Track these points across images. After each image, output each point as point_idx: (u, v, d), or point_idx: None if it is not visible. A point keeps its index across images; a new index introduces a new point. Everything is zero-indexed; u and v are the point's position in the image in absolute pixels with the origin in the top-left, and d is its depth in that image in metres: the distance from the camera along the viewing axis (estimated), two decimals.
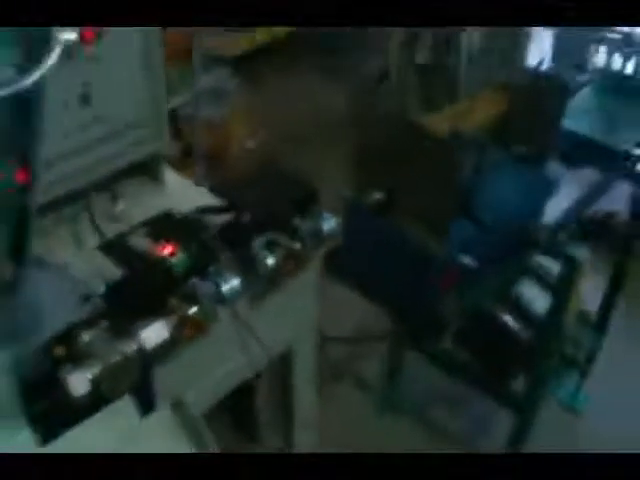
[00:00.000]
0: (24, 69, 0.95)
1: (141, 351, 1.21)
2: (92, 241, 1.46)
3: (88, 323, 1.21)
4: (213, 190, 1.62)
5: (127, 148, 1.56)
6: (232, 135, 4.00)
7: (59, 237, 1.47)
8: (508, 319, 2.47)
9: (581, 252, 2.08)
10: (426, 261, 1.77)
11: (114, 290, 1.27)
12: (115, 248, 1.37)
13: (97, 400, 1.17)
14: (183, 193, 1.66)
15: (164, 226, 1.42)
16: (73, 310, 1.23)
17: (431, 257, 1.76)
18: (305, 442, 2.02)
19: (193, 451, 1.30)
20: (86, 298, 1.26)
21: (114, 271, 1.33)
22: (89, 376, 1.15)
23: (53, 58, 0.96)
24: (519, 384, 2.60)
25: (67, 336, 1.19)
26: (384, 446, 2.74)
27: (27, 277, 1.21)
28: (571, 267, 2.08)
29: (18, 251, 1.17)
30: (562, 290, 2.20)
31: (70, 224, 1.50)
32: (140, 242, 1.36)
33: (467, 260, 1.80)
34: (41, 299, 1.25)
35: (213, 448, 1.32)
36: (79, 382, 1.14)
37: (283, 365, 1.82)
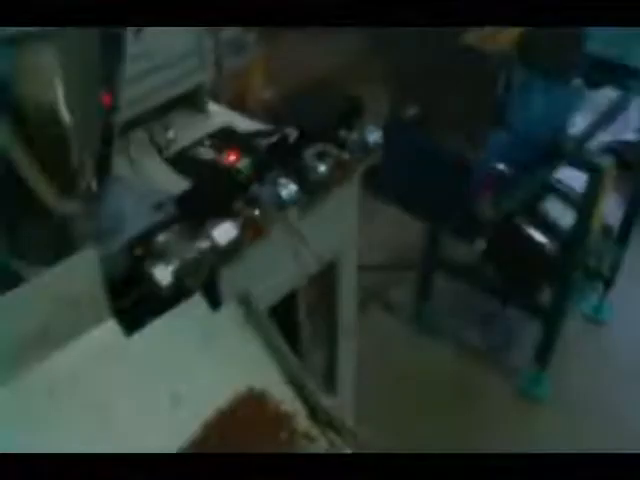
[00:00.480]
0: None
1: (213, 248, 1.33)
2: (154, 159, 1.57)
3: (163, 226, 1.32)
4: (264, 111, 1.71)
5: (175, 80, 1.66)
6: (255, 82, 4.05)
7: (127, 156, 1.58)
8: (535, 233, 2.57)
9: (605, 160, 2.18)
10: (465, 168, 1.86)
11: (184, 197, 1.39)
12: (181, 160, 1.49)
13: (177, 292, 1.29)
14: (229, 122, 1.72)
15: (224, 138, 1.53)
16: (149, 217, 1.35)
17: (470, 164, 1.85)
18: (345, 355, 2.14)
19: (261, 346, 1.41)
20: (159, 205, 1.38)
21: (182, 181, 1.45)
22: (170, 269, 1.27)
23: None
24: (546, 296, 2.73)
25: (145, 238, 1.30)
26: (419, 360, 2.90)
27: (108, 189, 1.34)
28: (596, 176, 2.18)
29: (101, 167, 1.30)
30: (587, 201, 2.30)
31: (133, 145, 1.62)
32: (205, 152, 1.48)
33: (502, 168, 1.89)
34: (120, 208, 1.37)
35: (281, 343, 1.43)
36: (162, 274, 1.25)
37: (328, 275, 1.93)
